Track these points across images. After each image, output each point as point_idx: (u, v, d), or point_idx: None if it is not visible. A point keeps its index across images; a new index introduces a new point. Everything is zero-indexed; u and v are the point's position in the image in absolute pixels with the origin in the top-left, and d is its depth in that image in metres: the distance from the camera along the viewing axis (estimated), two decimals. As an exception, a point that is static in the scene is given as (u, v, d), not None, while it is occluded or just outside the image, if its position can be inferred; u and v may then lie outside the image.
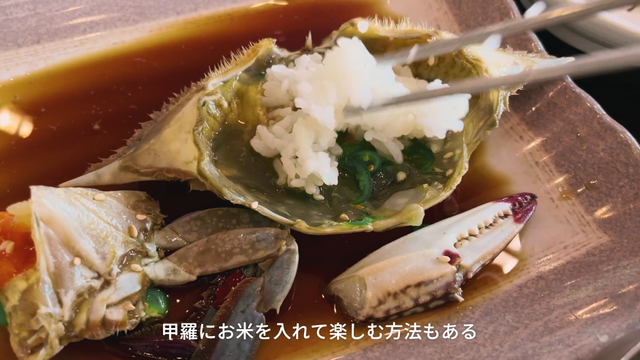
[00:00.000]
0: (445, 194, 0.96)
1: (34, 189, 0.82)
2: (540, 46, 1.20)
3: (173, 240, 0.95)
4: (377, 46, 1.15)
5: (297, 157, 0.96)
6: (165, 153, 0.95)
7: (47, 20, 1.21)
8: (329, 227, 0.92)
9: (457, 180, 0.97)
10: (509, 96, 1.07)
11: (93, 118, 1.15)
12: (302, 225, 0.91)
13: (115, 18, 1.25)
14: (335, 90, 0.95)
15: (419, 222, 0.92)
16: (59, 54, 1.21)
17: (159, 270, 0.92)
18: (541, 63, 1.14)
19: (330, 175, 0.96)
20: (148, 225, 0.93)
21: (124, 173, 0.97)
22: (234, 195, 0.92)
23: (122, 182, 0.98)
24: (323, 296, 0.96)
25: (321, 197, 1.01)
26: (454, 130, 1.00)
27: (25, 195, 0.88)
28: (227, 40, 1.27)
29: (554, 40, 1.33)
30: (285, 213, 0.95)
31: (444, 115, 0.98)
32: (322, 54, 1.14)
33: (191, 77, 1.11)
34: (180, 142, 0.95)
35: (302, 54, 1.13)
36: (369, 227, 0.92)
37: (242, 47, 1.10)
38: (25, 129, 1.13)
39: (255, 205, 0.91)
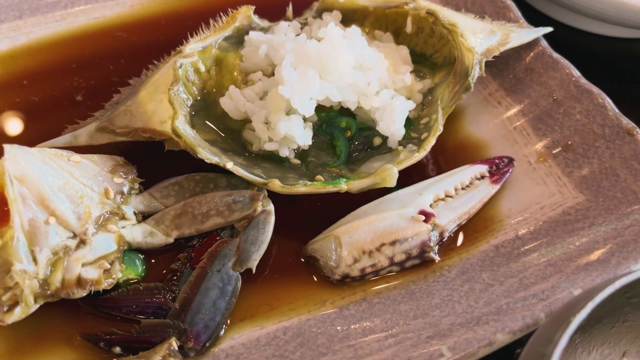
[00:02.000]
0: (420, 155, 0.96)
1: (7, 147, 0.82)
2: (519, 15, 1.20)
3: (151, 205, 0.96)
4: (357, 16, 1.16)
5: (268, 122, 0.97)
6: (141, 114, 0.96)
7: (29, -5, 1.23)
8: (303, 187, 0.93)
9: (432, 141, 0.97)
10: (484, 62, 1.07)
11: (75, 90, 1.16)
12: (276, 184, 0.92)
13: (97, -7, 1.26)
14: (318, 82, 0.96)
15: (393, 183, 0.92)
16: (41, 28, 1.21)
17: (136, 232, 0.93)
18: (519, 32, 1.14)
19: (303, 136, 0.97)
20: (125, 189, 0.94)
21: (100, 134, 0.98)
22: (208, 154, 0.93)
23: (99, 143, 0.99)
24: (301, 258, 0.97)
25: (297, 162, 1.01)
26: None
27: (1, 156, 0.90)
28: (208, 14, 1.27)
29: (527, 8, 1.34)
30: (261, 175, 0.96)
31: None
32: (303, 26, 1.15)
33: (172, 51, 1.12)
34: (155, 102, 0.96)
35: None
36: (343, 186, 0.93)
37: (222, 16, 1.11)
38: (7, 100, 1.14)
39: (229, 165, 0.92)
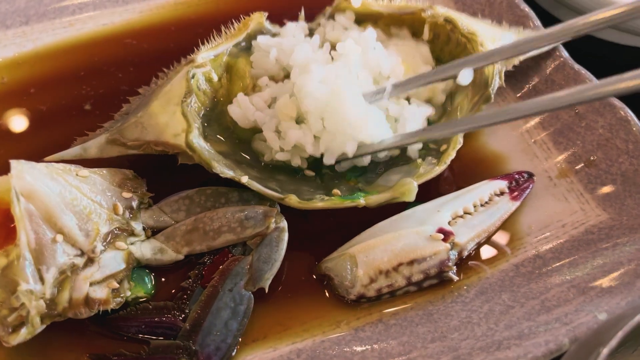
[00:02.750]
0: (439, 169, 0.93)
1: (14, 163, 0.80)
2: (539, 24, 1.17)
3: (161, 219, 0.93)
4: (370, 17, 1.13)
5: (279, 131, 0.94)
6: (152, 126, 0.93)
7: (36, 1, 1.20)
8: (320, 202, 0.90)
9: (452, 154, 0.94)
10: (504, 71, 1.04)
11: (84, 98, 1.13)
12: (293, 200, 0.89)
13: (105, -1, 1.23)
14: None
15: (412, 198, 0.89)
16: (48, 35, 1.19)
17: (145, 249, 0.90)
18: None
19: (314, 144, 0.94)
20: (134, 204, 0.91)
21: (111, 146, 0.95)
22: (223, 168, 0.90)
23: (109, 156, 0.96)
24: (314, 276, 0.94)
25: (311, 173, 0.99)
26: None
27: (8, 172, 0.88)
28: (219, 21, 1.24)
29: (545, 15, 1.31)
30: (276, 188, 0.93)
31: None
32: (312, 30, 1.12)
33: (185, 56, 1.09)
34: (168, 114, 0.93)
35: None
36: (361, 201, 0.90)
37: (234, 22, 1.08)
38: (14, 110, 1.11)
39: (245, 179, 0.89)
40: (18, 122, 1.10)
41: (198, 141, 0.92)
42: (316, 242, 0.98)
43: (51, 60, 1.17)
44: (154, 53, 1.20)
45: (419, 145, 0.98)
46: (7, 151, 1.06)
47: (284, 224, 0.91)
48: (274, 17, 1.17)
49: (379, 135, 0.92)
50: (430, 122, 1.02)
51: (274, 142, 0.96)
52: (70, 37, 1.20)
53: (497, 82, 1.01)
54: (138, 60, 1.19)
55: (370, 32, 1.03)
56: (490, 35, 1.06)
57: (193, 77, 0.96)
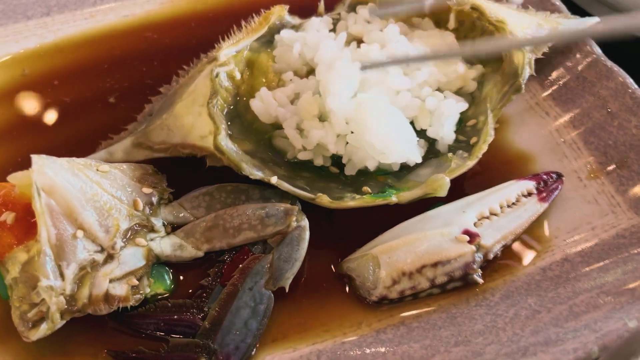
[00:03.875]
0: (472, 163, 0.91)
1: (35, 158, 0.79)
2: (562, 6, 1.13)
3: (180, 215, 0.92)
4: None
5: (301, 129, 0.93)
6: (178, 128, 0.91)
7: (57, -9, 1.19)
8: (352, 201, 0.88)
9: (484, 148, 0.92)
10: (534, 60, 1.00)
11: (108, 91, 1.13)
12: (324, 199, 0.87)
13: (127, -10, 1.22)
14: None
15: (444, 193, 0.88)
16: (69, 26, 1.18)
17: (165, 245, 0.89)
18: (566, 24, 1.07)
19: (337, 143, 0.92)
20: (154, 199, 0.90)
21: (137, 150, 0.94)
22: (252, 169, 0.88)
23: (135, 160, 0.95)
24: (335, 275, 0.92)
25: (336, 170, 0.97)
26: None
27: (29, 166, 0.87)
28: (239, 12, 1.22)
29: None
30: (305, 187, 0.91)
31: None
32: (335, 20, 1.10)
33: (205, 51, 1.08)
34: (193, 115, 0.91)
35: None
36: (393, 199, 0.88)
37: (254, 16, 1.06)
38: (37, 101, 1.11)
39: (274, 179, 0.88)
40: (42, 114, 1.10)
41: (226, 142, 0.90)
42: (337, 240, 0.96)
43: (72, 52, 1.16)
44: (176, 47, 1.19)
45: (450, 139, 0.95)
46: (30, 143, 1.06)
47: (305, 222, 0.89)
48: (291, 8, 1.15)
49: (403, 156, 0.90)
50: (460, 117, 0.99)
51: (296, 140, 0.94)
52: (91, 29, 1.19)
53: (527, 71, 0.98)
54: (162, 55, 1.18)
55: (392, 28, 1.00)
56: (519, 23, 1.02)
57: (217, 76, 0.94)
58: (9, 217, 0.80)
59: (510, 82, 0.97)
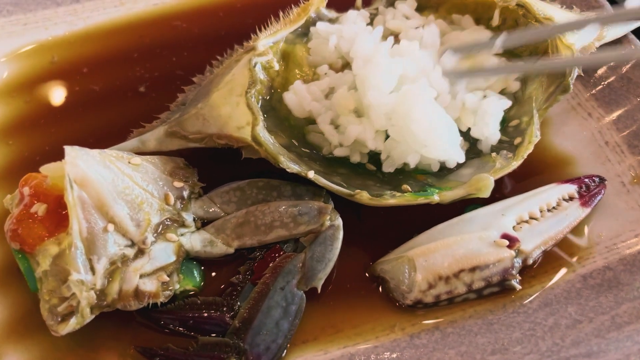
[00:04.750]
0: (517, 163, 0.88)
1: (68, 149, 0.77)
2: (607, 4, 1.09)
3: (211, 210, 0.90)
4: (431, 3, 1.07)
5: (337, 125, 0.91)
6: (215, 118, 0.89)
7: (87, -22, 1.17)
8: (392, 198, 0.85)
9: (529, 148, 0.89)
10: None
11: (138, 80, 1.11)
12: (364, 196, 0.84)
13: (157, -23, 1.20)
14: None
15: (488, 194, 0.84)
16: (99, 13, 1.16)
17: (195, 241, 0.87)
18: (613, 26, 1.02)
19: (376, 138, 0.89)
20: (185, 194, 0.88)
21: (171, 139, 0.92)
22: (290, 163, 0.86)
23: (169, 149, 0.93)
24: (367, 276, 0.90)
25: (373, 168, 0.94)
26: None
27: (63, 157, 0.86)
28: (270, 3, 1.19)
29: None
30: (342, 183, 0.89)
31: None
32: (372, 15, 1.07)
33: (237, 42, 1.05)
34: (231, 106, 0.88)
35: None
36: (435, 198, 0.85)
37: (292, 6, 1.03)
38: (66, 89, 1.09)
39: (311, 174, 0.85)
40: (72, 101, 1.08)
41: (264, 134, 0.87)
42: (369, 241, 0.94)
43: (102, 40, 1.14)
44: (205, 37, 1.17)
45: (495, 139, 0.92)
46: (58, 132, 1.04)
47: (339, 221, 0.87)
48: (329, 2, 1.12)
49: (447, 153, 0.87)
50: (504, 116, 0.95)
51: (332, 136, 0.92)
52: (121, 17, 1.17)
53: (576, 71, 0.94)
54: (191, 45, 1.15)
55: (432, 28, 0.97)
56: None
57: (255, 65, 0.91)
58: (40, 208, 0.79)
59: (557, 82, 0.93)
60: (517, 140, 0.92)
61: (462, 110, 0.91)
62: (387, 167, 0.92)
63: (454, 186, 0.87)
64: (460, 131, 0.92)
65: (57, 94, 1.09)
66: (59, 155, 0.97)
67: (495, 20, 1.00)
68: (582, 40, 0.95)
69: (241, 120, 0.87)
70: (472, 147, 0.95)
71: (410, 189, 0.88)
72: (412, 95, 0.85)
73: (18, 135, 1.03)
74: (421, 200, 0.85)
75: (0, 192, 0.95)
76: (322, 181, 0.85)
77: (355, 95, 0.90)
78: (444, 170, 0.93)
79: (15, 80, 1.08)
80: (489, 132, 0.90)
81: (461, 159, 0.90)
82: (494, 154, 0.90)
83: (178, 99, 0.99)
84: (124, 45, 1.14)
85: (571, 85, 0.93)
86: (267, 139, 0.88)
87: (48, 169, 0.79)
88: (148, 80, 1.11)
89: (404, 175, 0.93)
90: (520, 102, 0.96)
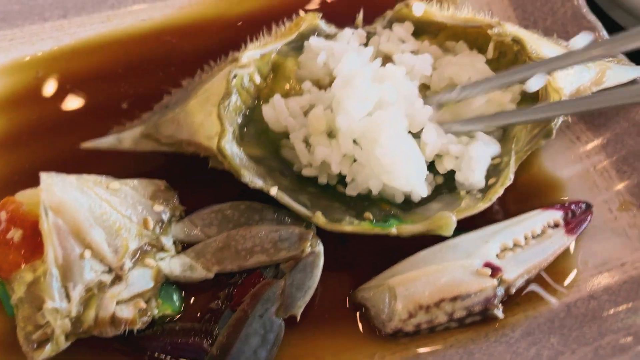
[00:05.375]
0: (484, 206, 0.86)
1: (43, 176, 0.76)
2: (604, 33, 1.06)
3: (191, 233, 0.89)
4: (431, 28, 1.05)
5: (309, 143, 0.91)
6: (188, 124, 0.89)
7: (75, -7, 1.16)
8: (349, 225, 0.85)
9: (499, 191, 0.87)
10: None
11: (122, 97, 1.10)
12: (320, 219, 0.84)
13: (145, -8, 1.19)
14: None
15: (449, 233, 0.83)
16: (85, 29, 1.15)
17: (174, 265, 0.86)
18: (617, 69, 0.99)
19: (342, 163, 0.89)
20: (165, 217, 0.87)
21: (145, 141, 0.92)
22: (253, 177, 0.86)
23: (143, 150, 0.94)
24: (348, 303, 0.89)
25: (343, 189, 0.93)
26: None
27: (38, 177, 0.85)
28: (263, 20, 1.18)
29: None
30: (306, 203, 0.88)
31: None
32: (370, 34, 1.05)
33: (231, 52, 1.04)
34: (204, 114, 0.89)
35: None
36: (393, 230, 0.84)
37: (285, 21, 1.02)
38: (50, 104, 1.08)
39: (273, 191, 0.85)
40: (54, 118, 1.07)
41: (230, 146, 0.88)
42: (352, 265, 0.93)
43: (88, 55, 1.13)
44: (195, 53, 1.15)
45: (479, 186, 0.90)
46: (39, 149, 1.04)
47: (319, 248, 0.86)
48: (331, 16, 1.11)
49: (410, 184, 0.86)
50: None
51: (302, 155, 0.91)
52: (108, 32, 1.16)
53: (561, 117, 0.91)
54: (179, 60, 1.14)
55: (426, 58, 0.96)
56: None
57: (235, 77, 0.91)
58: (16, 234, 0.78)
59: (541, 126, 0.91)
60: (492, 181, 0.89)
61: (445, 153, 0.90)
62: (351, 190, 0.91)
63: (416, 220, 0.85)
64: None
65: (39, 111, 1.08)
66: (39, 179, 0.97)
67: (490, 53, 0.99)
68: (575, 82, 0.93)
69: (211, 130, 0.87)
70: (446, 182, 0.93)
71: (371, 217, 0.87)
72: (382, 121, 0.83)
73: (-1, 154, 1.02)
74: (378, 230, 0.84)
75: (-20, 212, 0.94)
76: (285, 199, 0.85)
77: (329, 116, 0.89)
78: (412, 203, 0.91)
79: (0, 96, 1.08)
80: (474, 180, 0.88)
81: (424, 193, 0.88)
82: (463, 192, 0.89)
83: (163, 100, 0.99)
84: (111, 61, 1.13)
85: (554, 132, 0.91)
86: (234, 152, 0.88)
87: (24, 196, 0.79)
88: (131, 97, 1.10)
89: (370, 202, 0.92)
90: (505, 139, 0.94)
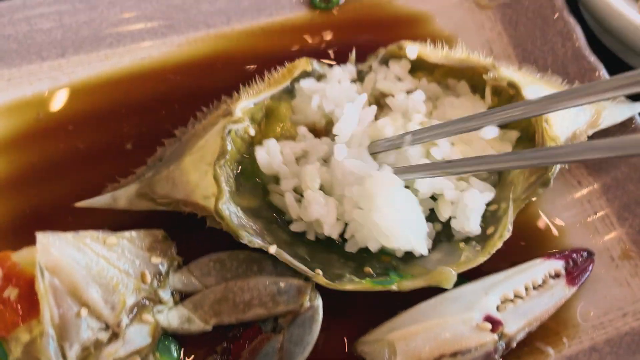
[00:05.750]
0: (483, 259, 0.85)
1: (39, 237, 0.76)
2: (604, 73, 1.06)
3: (189, 283, 0.89)
4: (426, 65, 1.04)
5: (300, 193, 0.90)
6: (183, 184, 0.88)
7: (73, 32, 1.15)
8: (350, 283, 0.84)
9: (498, 245, 0.86)
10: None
11: (125, 137, 1.08)
12: (321, 280, 0.83)
13: (144, 31, 1.18)
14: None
15: (449, 286, 0.82)
16: (84, 68, 1.14)
17: (172, 317, 0.85)
18: (612, 109, 0.98)
19: (336, 227, 0.88)
20: (163, 269, 0.87)
21: (140, 200, 0.91)
22: (252, 237, 0.85)
23: (138, 209, 0.92)
24: (347, 355, 0.88)
25: (339, 239, 0.92)
26: None
27: (49, 218, 0.87)
28: (264, 56, 1.18)
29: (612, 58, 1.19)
30: (306, 257, 0.88)
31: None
32: (362, 72, 1.05)
33: (228, 93, 1.03)
34: (199, 173, 0.87)
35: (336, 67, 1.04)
36: (394, 287, 0.83)
37: (279, 65, 1.01)
38: (51, 147, 1.07)
39: (273, 249, 0.84)
40: (55, 160, 1.06)
41: (228, 206, 0.86)
42: (351, 315, 0.92)
43: (87, 95, 1.12)
44: (196, 90, 1.14)
45: (475, 232, 0.89)
46: (40, 192, 1.03)
47: (318, 302, 0.85)
48: (322, 52, 1.10)
49: (410, 245, 0.85)
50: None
51: (292, 208, 0.90)
52: (107, 71, 1.15)
53: (559, 166, 0.90)
54: (184, 97, 1.13)
55: (419, 95, 0.95)
56: (560, 112, 0.94)
57: (229, 133, 0.90)
58: (12, 293, 0.77)
59: (538, 173, 0.89)
60: (490, 230, 0.88)
61: (440, 201, 0.89)
62: (350, 248, 0.91)
63: (416, 274, 0.85)
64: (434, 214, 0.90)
65: (41, 153, 1.07)
66: (41, 219, 0.96)
67: (488, 100, 0.98)
68: (571, 126, 0.92)
69: (207, 190, 0.86)
70: (445, 229, 0.93)
71: (372, 272, 0.87)
72: (377, 184, 0.83)
73: (-1, 197, 1.02)
74: (379, 288, 0.83)
75: (-22, 260, 0.94)
76: (284, 257, 0.84)
77: (325, 174, 0.89)
78: (412, 254, 0.90)
79: (-1, 138, 1.07)
80: (470, 228, 0.88)
81: (424, 252, 0.87)
82: (462, 244, 0.89)
83: (157, 152, 0.98)
84: (111, 100, 1.12)
85: (552, 181, 0.89)
86: (231, 211, 0.86)
87: (20, 257, 0.78)
88: (135, 137, 1.09)
89: (369, 253, 0.91)
90: (502, 184, 0.94)
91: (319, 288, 0.86)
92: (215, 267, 0.90)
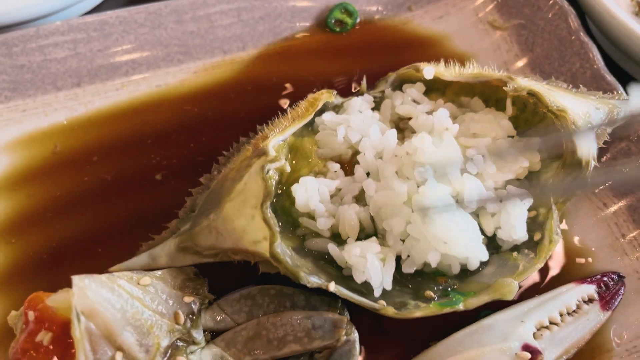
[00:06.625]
0: (540, 265, 0.86)
1: (75, 280, 0.74)
2: (622, 91, 1.07)
3: (220, 320, 0.87)
4: (437, 85, 1.04)
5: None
6: (229, 231, 0.85)
7: (88, 61, 1.14)
8: (418, 310, 0.83)
9: (551, 249, 0.87)
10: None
11: (154, 168, 1.06)
12: (389, 311, 0.82)
13: (159, 58, 1.17)
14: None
15: (512, 297, 0.83)
16: (100, 98, 1.13)
17: (205, 357, 0.84)
18: (624, 108, 1.00)
19: (383, 276, 0.86)
20: (195, 308, 0.85)
21: (183, 255, 0.88)
22: (310, 277, 0.82)
23: (181, 265, 0.88)
24: (384, 387, 0.87)
25: None
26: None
27: (78, 253, 0.89)
28: (283, 80, 1.17)
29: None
30: (362, 290, 0.86)
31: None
32: (377, 98, 1.05)
33: (248, 123, 1.04)
34: (245, 219, 0.84)
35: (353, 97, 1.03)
36: (460, 307, 0.83)
37: (295, 89, 1.01)
38: (74, 179, 1.05)
39: (332, 287, 0.82)
40: (80, 192, 1.04)
41: (282, 249, 0.83)
42: (387, 348, 0.91)
43: (105, 125, 1.11)
44: (221, 120, 1.12)
45: (523, 240, 0.90)
46: (68, 226, 1.00)
47: (355, 335, 0.84)
48: (335, 77, 1.09)
49: (470, 250, 0.85)
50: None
51: (339, 259, 0.88)
52: (123, 101, 1.13)
53: (592, 164, 0.92)
54: (208, 129, 1.11)
55: (443, 112, 0.95)
56: (581, 111, 0.95)
57: (267, 172, 0.87)
58: (45, 337, 0.75)
59: (573, 175, 0.90)
60: (537, 236, 0.89)
61: (482, 216, 0.89)
62: (407, 268, 0.89)
63: (477, 289, 0.85)
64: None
65: (63, 185, 1.04)
66: (67, 255, 0.93)
67: (509, 111, 0.98)
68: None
69: (257, 235, 0.83)
70: (490, 241, 0.92)
71: (433, 295, 0.86)
72: (427, 199, 0.83)
73: (22, 233, 0.99)
74: (447, 310, 0.83)
75: (3, 299, 0.92)
76: (344, 293, 0.82)
77: (362, 213, 0.89)
78: (467, 272, 0.90)
79: (16, 171, 1.05)
80: (518, 235, 0.88)
81: (485, 257, 0.87)
82: (515, 253, 0.89)
83: (186, 204, 0.95)
84: (128, 130, 1.10)
85: (589, 181, 0.91)
86: (286, 253, 0.84)
87: (55, 301, 0.76)
88: (165, 168, 1.07)
89: (423, 277, 0.90)
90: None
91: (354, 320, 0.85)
92: (247, 303, 0.88)
